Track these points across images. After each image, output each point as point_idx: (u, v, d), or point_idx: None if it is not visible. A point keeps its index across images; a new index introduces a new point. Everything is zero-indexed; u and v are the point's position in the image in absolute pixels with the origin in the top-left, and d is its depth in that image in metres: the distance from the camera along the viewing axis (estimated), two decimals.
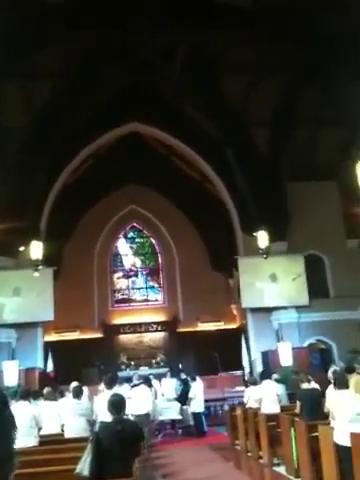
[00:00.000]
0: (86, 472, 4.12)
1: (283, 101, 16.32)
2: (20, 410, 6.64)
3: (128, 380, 13.29)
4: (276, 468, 7.97)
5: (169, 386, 13.60)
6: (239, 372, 16.93)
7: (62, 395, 9.61)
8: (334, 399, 5.97)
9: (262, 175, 16.59)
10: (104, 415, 6.97)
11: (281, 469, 7.78)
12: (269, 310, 16.87)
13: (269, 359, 15.57)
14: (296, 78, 15.34)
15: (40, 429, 6.83)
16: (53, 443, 6.51)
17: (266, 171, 16.68)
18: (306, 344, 16.64)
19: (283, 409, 8.72)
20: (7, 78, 14.25)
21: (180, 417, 12.44)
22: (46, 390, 7.97)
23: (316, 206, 17.34)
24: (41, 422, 6.81)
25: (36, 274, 14.10)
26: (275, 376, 10.44)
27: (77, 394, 7.46)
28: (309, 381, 7.89)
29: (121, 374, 17.88)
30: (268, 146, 16.87)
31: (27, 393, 7.14)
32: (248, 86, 16.25)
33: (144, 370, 18.58)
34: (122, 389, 10.28)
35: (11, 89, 14.98)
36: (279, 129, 16.77)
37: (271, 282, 16.85)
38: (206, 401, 12.85)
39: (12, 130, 15.20)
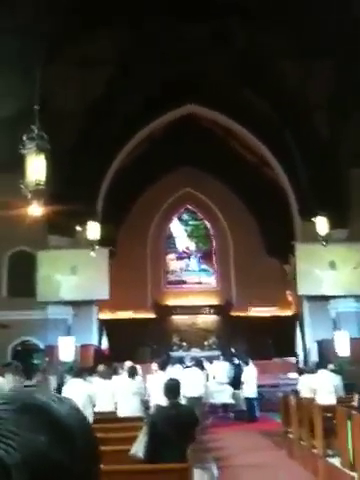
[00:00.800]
0: (141, 454, 4.13)
1: (342, 84, 15.66)
2: (74, 388, 6.77)
3: (180, 361, 13.36)
4: (330, 459, 7.76)
5: (221, 369, 13.55)
6: (293, 359, 16.67)
7: (116, 372, 9.76)
8: None
9: (322, 160, 16.07)
10: (157, 395, 7.04)
11: (335, 461, 7.56)
12: (326, 298, 16.46)
13: (325, 348, 15.24)
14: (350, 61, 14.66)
15: (94, 406, 6.93)
16: (107, 422, 6.59)
17: (327, 156, 16.14)
18: None
19: (339, 401, 8.47)
20: (64, 61, 14.40)
21: (232, 401, 12.41)
22: (101, 368, 8.08)
23: None
24: (95, 400, 6.90)
25: (92, 254, 14.33)
26: (331, 366, 10.15)
27: (132, 374, 7.55)
28: None
29: (173, 354, 18.05)
30: (329, 130, 16.28)
31: (81, 371, 7.26)
32: (307, 68, 15.68)
33: (196, 352, 18.62)
34: (174, 370, 10.35)
35: (68, 72, 15.13)
36: (339, 113, 16.13)
37: (330, 269, 16.39)
38: (258, 386, 12.73)
39: (69, 113, 15.39)
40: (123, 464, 3.97)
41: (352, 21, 12.74)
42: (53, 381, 10.96)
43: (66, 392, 6.82)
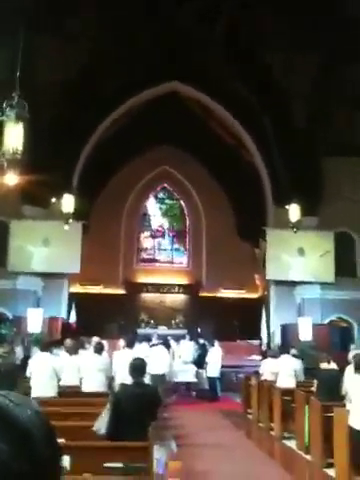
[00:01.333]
0: (103, 430, 4.24)
1: (324, 76, 15.79)
2: (41, 361, 6.84)
3: (147, 338, 13.53)
4: (286, 442, 8.06)
5: (187, 349, 13.79)
6: (257, 342, 17.06)
7: (83, 347, 9.84)
8: (353, 384, 5.94)
9: (298, 147, 16.24)
10: (122, 372, 7.15)
11: (291, 443, 7.87)
12: (293, 284, 16.82)
13: (288, 332, 15.63)
14: (336, 55, 14.80)
15: (59, 380, 7.02)
16: (71, 395, 6.70)
17: (302, 144, 16.30)
18: (327, 321, 16.60)
19: (299, 385, 8.76)
20: (46, 34, 14.06)
21: (195, 380, 12.67)
22: (68, 343, 8.14)
23: (351, 183, 16.94)
24: (61, 374, 6.98)
25: (66, 227, 14.29)
26: (293, 351, 10.45)
27: (98, 350, 7.63)
28: (329, 361, 7.87)
29: (140, 331, 18.25)
30: (306, 119, 16.43)
31: (48, 345, 7.32)
32: (291, 58, 15.74)
33: (163, 330, 18.87)
34: (141, 347, 10.49)
35: (49, 44, 14.79)
36: (318, 103, 16.29)
37: (298, 256, 16.73)
38: (222, 367, 13.01)
39: (49, 84, 15.10)
40: (85, 440, 4.08)
41: (339, 19, 12.82)
42: (20, 352, 10.99)
43: (32, 365, 6.89)
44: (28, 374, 6.85)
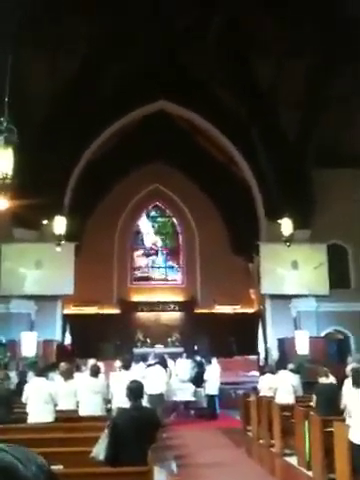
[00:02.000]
0: (102, 456, 4.17)
1: (312, 85, 15.96)
2: (37, 386, 6.76)
3: (143, 358, 13.42)
4: (287, 458, 7.98)
5: (184, 367, 13.68)
6: (254, 357, 16.96)
7: (79, 369, 9.74)
8: (352, 398, 5.91)
9: (288, 159, 16.35)
10: (119, 394, 7.07)
11: (292, 460, 7.78)
12: (288, 297, 16.81)
13: (285, 346, 15.57)
14: (326, 62, 14.98)
15: (56, 405, 6.92)
16: (69, 420, 6.60)
17: (292, 155, 16.42)
18: (323, 334, 16.57)
19: (298, 400, 8.71)
20: (34, 45, 14.15)
21: (194, 399, 12.54)
22: (63, 367, 8.04)
23: (342, 195, 17.05)
24: (57, 399, 6.90)
25: (58, 249, 14.25)
26: (290, 366, 10.40)
27: (94, 373, 7.55)
28: (327, 375, 7.83)
29: (137, 351, 18.11)
30: (295, 130, 16.56)
31: (43, 370, 7.25)
32: (277, 68, 15.93)
33: (159, 348, 18.72)
34: (137, 368, 10.40)
35: (38, 58, 14.87)
36: (307, 113, 16.44)
37: (292, 269, 16.75)
38: (220, 384, 12.90)
39: (37, 100, 15.15)
40: (84, 466, 4.01)
41: (328, 25, 12.98)
42: (14, 377, 10.85)
43: (28, 390, 6.80)
44: (24, 400, 6.76)
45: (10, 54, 10.76)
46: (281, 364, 10.25)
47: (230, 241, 23.06)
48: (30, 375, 10.30)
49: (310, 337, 15.43)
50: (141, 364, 11.54)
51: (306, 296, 16.60)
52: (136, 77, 16.43)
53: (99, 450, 4.23)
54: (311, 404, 7.62)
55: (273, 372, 9.85)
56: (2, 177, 8.17)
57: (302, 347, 15.15)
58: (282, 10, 13.24)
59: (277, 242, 15.73)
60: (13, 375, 10.88)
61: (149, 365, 11.37)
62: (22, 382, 9.66)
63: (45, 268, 15.99)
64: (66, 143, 16.00)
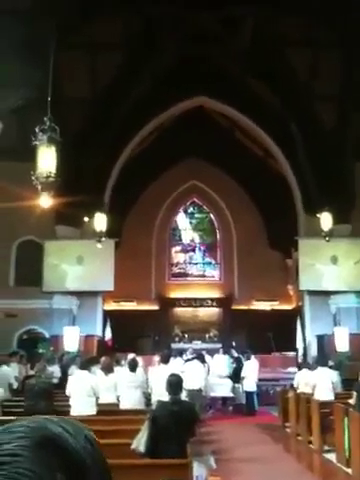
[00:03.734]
0: (142, 448, 4.30)
1: (350, 76, 15.63)
2: (80, 379, 6.98)
3: (181, 353, 13.57)
4: (326, 455, 7.96)
5: (221, 363, 13.76)
6: (292, 353, 16.84)
7: (118, 363, 9.96)
8: None
9: (327, 153, 16.08)
10: (158, 389, 7.22)
11: (331, 456, 7.76)
12: (327, 293, 16.57)
13: (324, 343, 15.39)
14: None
15: (98, 398, 7.12)
16: (109, 413, 6.79)
17: (332, 149, 16.13)
18: None
19: (337, 397, 8.66)
20: (72, 48, 14.43)
21: (232, 395, 12.61)
22: (105, 362, 8.25)
23: None
24: (98, 392, 7.09)
25: (99, 245, 14.50)
26: (330, 362, 10.34)
27: (133, 367, 7.72)
28: None
29: (174, 346, 18.30)
30: (335, 123, 16.27)
31: (86, 363, 7.45)
32: (314, 60, 15.71)
33: (197, 344, 18.86)
34: (175, 363, 10.54)
35: (77, 60, 15.16)
36: (346, 106, 16.11)
37: (331, 265, 16.49)
38: (258, 380, 12.91)
39: (77, 101, 15.47)
40: (124, 458, 4.15)
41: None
42: (57, 371, 11.19)
43: (71, 383, 7.03)
44: (68, 393, 6.98)
45: (51, 55, 11.05)
46: (320, 361, 10.16)
47: (268, 236, 22.92)
48: (72, 368, 10.62)
49: (350, 334, 15.18)
50: (179, 359, 11.67)
51: (345, 292, 16.34)
52: (174, 74, 16.51)
53: (139, 442, 4.37)
54: (350, 401, 7.58)
55: (310, 368, 9.81)
56: (46, 175, 8.44)
57: (342, 344, 14.93)
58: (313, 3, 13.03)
59: (316, 237, 15.51)
60: (56, 369, 11.23)
61: (187, 360, 11.51)
62: (65, 375, 9.97)
63: (86, 264, 16.31)
64: (106, 141, 16.25)
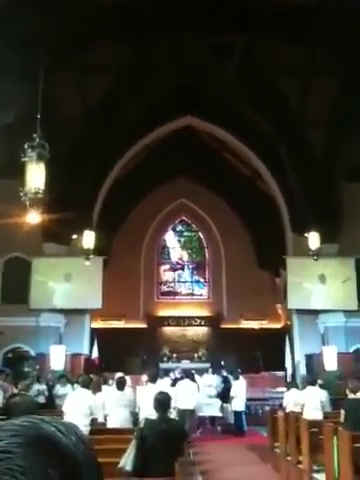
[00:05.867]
0: (129, 467, 4.23)
1: (339, 101, 15.93)
2: (80, 397, 6.87)
3: (167, 373, 13.41)
4: (316, 475, 7.86)
5: (210, 382, 13.64)
6: (281, 373, 16.78)
7: (106, 382, 9.85)
8: None
9: (316, 175, 16.29)
10: (147, 408, 7.13)
11: (321, 476, 7.67)
12: (315, 312, 16.61)
13: (313, 362, 15.36)
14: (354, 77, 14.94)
15: (94, 419, 6.98)
16: (97, 433, 6.67)
17: (320, 171, 16.36)
18: (353, 349, 16.30)
19: (326, 416, 8.60)
20: (62, 70, 14.55)
21: (220, 414, 12.48)
22: (92, 380, 8.15)
23: None
24: (95, 412, 6.97)
25: (87, 263, 14.43)
26: (320, 381, 10.30)
27: (121, 386, 7.62)
28: (356, 391, 7.72)
29: (163, 366, 18.12)
30: (323, 146, 16.52)
31: (89, 382, 7.34)
32: (304, 85, 15.99)
33: (186, 364, 18.71)
34: (163, 382, 10.43)
35: (66, 81, 15.28)
36: (334, 129, 16.38)
37: (319, 283, 16.56)
38: (246, 400, 12.82)
39: (67, 121, 15.54)
40: (112, 477, 4.07)
41: (354, 39, 12.95)
42: (44, 390, 11.03)
43: (69, 401, 6.91)
44: (63, 409, 6.85)
45: (41, 74, 11.13)
46: (309, 380, 10.11)
47: (256, 255, 23.00)
48: (57, 388, 10.46)
49: (338, 353, 15.19)
50: (166, 379, 11.55)
51: (334, 311, 16.39)
52: (163, 94, 16.67)
53: (126, 461, 4.29)
54: (340, 420, 7.52)
55: (298, 387, 9.76)
56: (34, 192, 8.43)
57: (330, 363, 14.93)
58: (304, 28, 13.30)
59: (304, 256, 15.62)
60: (43, 387, 11.07)
61: (175, 379, 11.41)
62: (50, 392, 9.81)
63: (74, 282, 16.21)
64: (95, 159, 16.32)
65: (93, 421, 6.90)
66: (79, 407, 6.66)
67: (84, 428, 6.62)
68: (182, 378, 11.09)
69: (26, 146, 8.66)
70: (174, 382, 11.11)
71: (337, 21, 12.34)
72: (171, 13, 12.75)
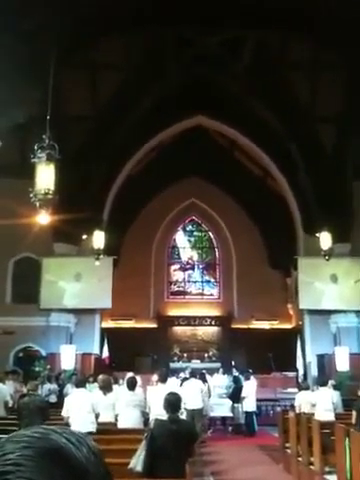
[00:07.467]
0: (139, 468, 4.19)
1: (350, 98, 15.78)
2: (78, 397, 6.85)
3: (174, 372, 13.36)
4: (327, 476, 7.79)
5: (221, 382, 13.59)
6: (292, 373, 16.66)
7: (116, 382, 9.81)
8: None
9: (327, 173, 16.15)
10: (157, 408, 7.11)
11: (332, 478, 7.59)
12: (327, 312, 16.47)
13: (325, 363, 15.24)
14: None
15: (97, 416, 6.97)
16: (107, 433, 6.65)
17: (331, 169, 16.21)
18: None
19: (338, 417, 8.51)
20: (73, 67, 14.58)
21: (231, 415, 12.42)
22: (102, 380, 8.11)
23: None
24: (97, 409, 6.95)
25: (97, 263, 14.44)
26: (332, 382, 10.20)
27: (132, 386, 7.58)
28: None
29: (173, 365, 18.11)
30: (334, 144, 16.38)
31: (83, 382, 7.33)
32: (314, 82, 15.88)
33: (196, 363, 18.67)
34: (175, 382, 10.40)
35: (77, 78, 15.30)
36: (346, 127, 16.23)
37: (331, 283, 16.42)
38: (257, 400, 12.75)
39: (77, 119, 15.56)
40: (122, 478, 4.04)
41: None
42: (55, 389, 11.05)
43: (69, 402, 6.89)
44: (64, 413, 6.81)
45: (51, 73, 11.13)
46: (320, 381, 10.03)
47: (267, 255, 22.87)
48: (68, 387, 10.47)
49: (350, 353, 15.05)
50: (174, 379, 11.50)
51: (346, 311, 16.24)
52: (174, 93, 16.63)
53: (137, 462, 4.25)
54: (351, 421, 7.44)
55: (309, 388, 9.68)
56: (45, 192, 8.43)
57: (342, 364, 14.80)
58: (314, 24, 13.23)
59: (315, 256, 15.48)
60: (55, 387, 11.09)
61: (184, 379, 11.36)
62: (61, 392, 9.82)
63: (84, 282, 16.23)
64: (105, 159, 16.33)
65: (97, 417, 6.89)
66: (80, 406, 6.64)
67: (91, 425, 6.62)
68: (189, 378, 11.04)
69: (36, 147, 8.66)
70: (182, 382, 11.06)
71: (346, 18, 12.26)
72: (180, 10, 12.75)
